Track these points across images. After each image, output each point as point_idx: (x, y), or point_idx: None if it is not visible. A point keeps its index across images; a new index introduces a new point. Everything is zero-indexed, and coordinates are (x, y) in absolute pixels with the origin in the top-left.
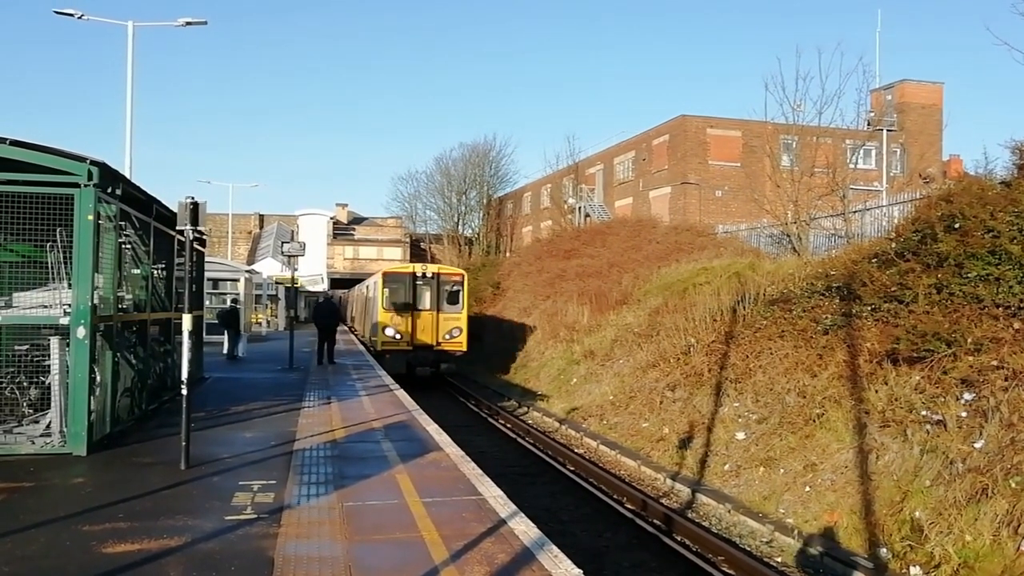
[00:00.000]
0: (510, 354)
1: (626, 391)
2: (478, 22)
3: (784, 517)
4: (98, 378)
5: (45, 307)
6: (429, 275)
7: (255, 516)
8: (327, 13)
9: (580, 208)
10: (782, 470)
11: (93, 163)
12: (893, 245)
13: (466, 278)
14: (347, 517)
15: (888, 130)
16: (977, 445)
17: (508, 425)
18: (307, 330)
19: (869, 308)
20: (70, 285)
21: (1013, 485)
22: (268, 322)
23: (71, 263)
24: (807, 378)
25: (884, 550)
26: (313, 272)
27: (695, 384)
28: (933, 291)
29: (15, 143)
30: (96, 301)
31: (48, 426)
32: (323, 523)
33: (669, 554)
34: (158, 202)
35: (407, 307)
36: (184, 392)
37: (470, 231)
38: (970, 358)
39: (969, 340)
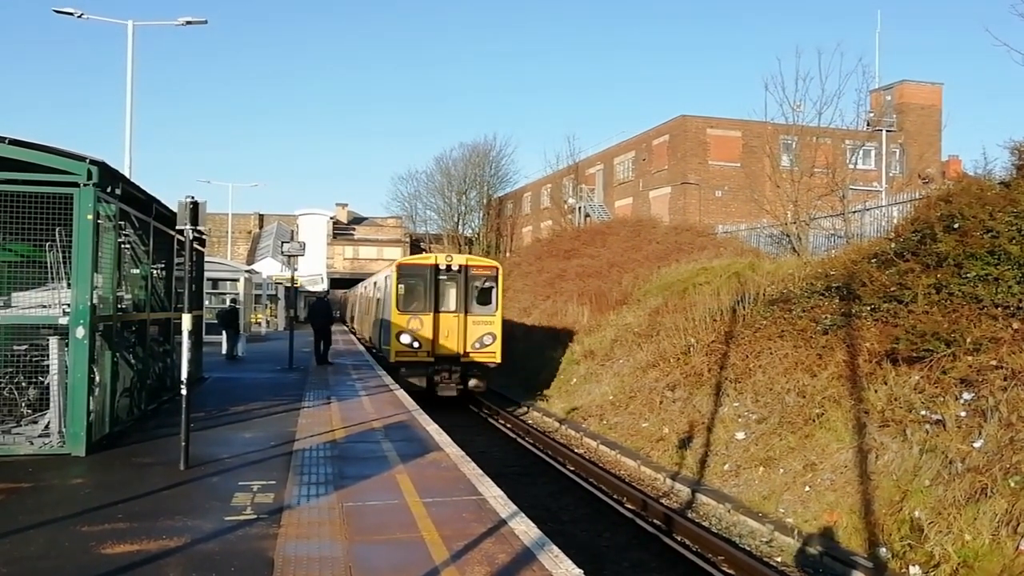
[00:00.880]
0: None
1: (626, 391)
2: (478, 22)
3: (784, 517)
4: (97, 378)
5: (44, 307)
6: (455, 268)
7: (255, 516)
8: (327, 13)
9: (580, 208)
10: (782, 470)
11: (92, 162)
12: (892, 245)
13: (500, 271)
14: (347, 517)
15: (887, 130)
16: (976, 445)
17: (508, 425)
18: (307, 330)
19: (869, 308)
20: (69, 285)
21: (1012, 484)
22: (268, 322)
23: (70, 263)
24: (807, 378)
25: (884, 550)
26: (313, 272)
27: (695, 384)
28: (932, 291)
29: (14, 142)
30: (95, 301)
31: (47, 426)
32: (323, 523)
33: (669, 554)
34: (158, 202)
35: (428, 308)
36: (183, 392)
37: (470, 231)
38: (969, 358)
39: (968, 340)
